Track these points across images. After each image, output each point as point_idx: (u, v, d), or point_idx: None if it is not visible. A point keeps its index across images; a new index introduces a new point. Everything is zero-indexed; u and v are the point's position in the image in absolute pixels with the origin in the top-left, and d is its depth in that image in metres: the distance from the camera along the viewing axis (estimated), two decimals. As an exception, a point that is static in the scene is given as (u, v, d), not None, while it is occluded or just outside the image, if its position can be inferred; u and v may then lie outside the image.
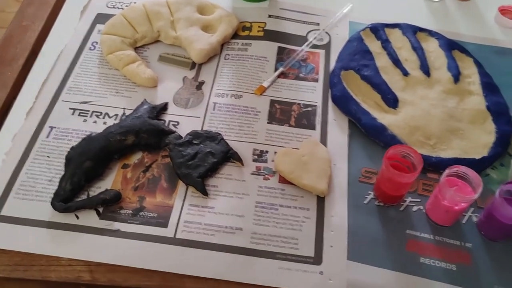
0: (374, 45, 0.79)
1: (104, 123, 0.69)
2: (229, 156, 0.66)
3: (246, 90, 0.74)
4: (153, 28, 0.79)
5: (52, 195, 0.61)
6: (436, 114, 0.70)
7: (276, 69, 0.77)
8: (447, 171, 0.58)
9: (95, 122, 0.69)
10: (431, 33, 0.82)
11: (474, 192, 0.57)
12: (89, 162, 0.62)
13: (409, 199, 0.64)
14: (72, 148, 0.65)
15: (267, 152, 0.67)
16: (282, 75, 0.77)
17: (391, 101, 0.72)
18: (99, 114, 0.70)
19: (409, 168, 0.61)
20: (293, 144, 0.68)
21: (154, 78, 0.73)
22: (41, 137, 0.67)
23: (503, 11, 0.87)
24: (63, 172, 0.63)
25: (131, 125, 0.66)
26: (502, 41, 0.84)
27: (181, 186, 0.63)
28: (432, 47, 0.80)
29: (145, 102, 0.71)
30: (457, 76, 0.75)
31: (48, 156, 0.65)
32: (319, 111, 0.72)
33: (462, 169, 0.59)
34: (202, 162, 0.64)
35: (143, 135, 0.66)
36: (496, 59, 0.80)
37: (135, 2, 0.85)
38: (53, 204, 0.60)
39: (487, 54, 0.81)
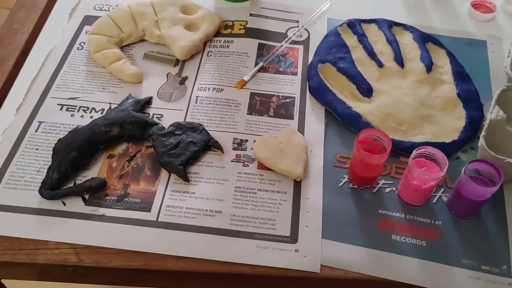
0: (350, 40, 0.83)
1: (91, 117, 0.72)
2: (210, 145, 0.69)
3: (228, 84, 0.77)
4: (138, 27, 0.82)
5: (40, 184, 0.64)
6: (408, 102, 0.73)
7: (256, 64, 0.80)
8: (415, 152, 0.61)
9: (82, 116, 0.72)
10: (406, 27, 0.85)
11: (441, 170, 0.60)
12: (75, 152, 0.65)
13: (382, 181, 0.66)
14: (59, 140, 0.68)
15: (246, 141, 0.70)
16: (262, 69, 0.80)
17: (366, 91, 0.75)
18: (86, 109, 0.73)
19: (381, 151, 0.64)
20: (272, 133, 0.71)
21: (138, 74, 0.77)
22: (30, 131, 0.70)
23: (476, 5, 0.91)
24: (50, 163, 0.66)
25: (116, 117, 0.69)
26: (474, 34, 0.87)
27: (164, 174, 0.66)
28: (406, 40, 0.83)
29: (130, 97, 0.74)
30: (429, 66, 0.78)
31: (36, 149, 0.68)
32: (297, 102, 0.75)
33: (429, 149, 0.62)
34: (184, 151, 0.67)
35: (128, 126, 0.69)
36: (468, 50, 0.84)
37: (121, 4, 0.89)
38: (40, 191, 0.63)
39: (460, 46, 0.84)
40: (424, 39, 0.83)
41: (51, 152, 0.67)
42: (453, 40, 0.85)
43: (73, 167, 0.65)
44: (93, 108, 0.73)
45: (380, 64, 0.79)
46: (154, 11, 0.84)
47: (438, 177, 0.60)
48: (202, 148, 0.68)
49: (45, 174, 0.65)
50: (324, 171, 0.67)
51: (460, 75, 0.78)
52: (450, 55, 0.81)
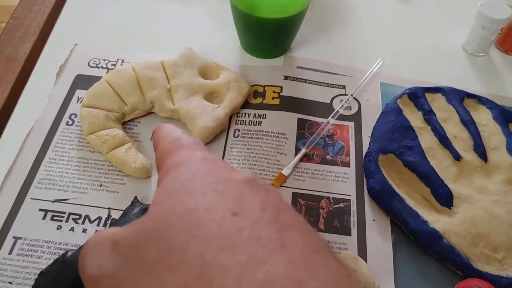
0: (414, 118, 0.65)
1: (84, 230, 0.54)
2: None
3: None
4: (146, 98, 0.64)
5: None
6: (501, 215, 0.56)
7: (297, 149, 0.63)
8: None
9: (72, 229, 0.54)
10: (481, 100, 0.68)
11: None
12: (62, 298, 0.47)
13: (478, 337, 0.50)
14: (41, 274, 0.49)
15: (292, 270, 0.53)
16: (305, 157, 0.62)
17: (444, 198, 0.58)
18: (77, 217, 0.55)
19: (480, 301, 0.47)
20: (324, 257, 0.54)
21: (146, 168, 0.58)
22: (2, 253, 0.52)
23: (561, 69, 0.74)
24: (29, 307, 0.48)
25: (118, 242, 0.51)
26: None
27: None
28: (484, 119, 0.66)
29: (135, 203, 0.56)
30: (520, 161, 0.61)
31: (10, 282, 0.50)
32: (353, 208, 0.58)
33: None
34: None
35: (134, 254, 0.51)
36: (559, 133, 0.67)
37: (122, 61, 0.70)
38: None
39: (547, 125, 0.68)
40: (507, 118, 0.66)
41: (30, 290, 0.49)
42: (537, 117, 0.68)
43: (59, 319, 0.47)
44: (87, 217, 0.55)
45: (457, 157, 0.62)
46: (166, 75, 0.66)
47: None
48: (234, 285, 0.50)
49: (20, 327, 0.47)
50: (399, 321, 0.50)
51: (559, 173, 0.61)
52: (541, 141, 0.64)
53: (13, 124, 0.63)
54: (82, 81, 0.68)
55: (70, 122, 0.64)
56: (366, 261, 0.54)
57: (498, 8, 0.72)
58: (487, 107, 0.67)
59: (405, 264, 0.54)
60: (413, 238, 0.55)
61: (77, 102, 0.66)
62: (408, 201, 0.57)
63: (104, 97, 0.63)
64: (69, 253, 0.50)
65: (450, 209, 0.57)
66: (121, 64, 0.70)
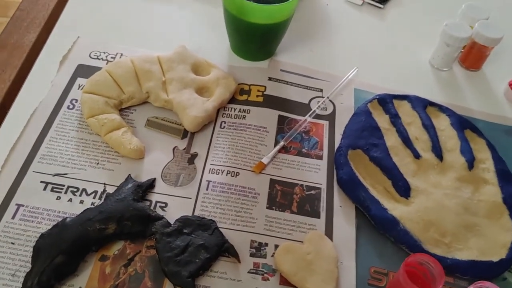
0: (382, 120, 0.73)
1: (81, 202, 0.60)
2: (224, 250, 0.58)
3: (244, 167, 0.67)
4: (142, 88, 0.70)
5: (14, 296, 0.52)
6: (451, 206, 0.64)
7: (276, 142, 0.70)
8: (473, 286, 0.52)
9: (70, 200, 0.60)
10: (441, 108, 0.76)
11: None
12: (61, 256, 0.53)
13: (424, 308, 0.57)
14: (41, 236, 0.55)
15: (266, 245, 0.60)
16: (283, 149, 0.69)
17: (403, 189, 0.65)
18: (75, 190, 0.61)
19: (425, 276, 0.55)
20: (296, 235, 0.61)
21: (140, 149, 0.65)
22: (5, 217, 0.58)
23: (514, 86, 0.83)
24: (29, 265, 0.54)
25: (112, 211, 0.57)
26: (512, 120, 0.79)
27: (168, 286, 0.55)
28: (443, 125, 0.74)
29: (129, 179, 0.62)
30: (471, 162, 0.69)
31: (12, 243, 0.56)
32: (323, 195, 0.65)
33: (487, 284, 0.53)
34: (193, 257, 0.56)
35: (127, 222, 0.57)
36: (507, 141, 0.76)
37: (121, 55, 0.77)
38: (15, 309, 0.51)
39: (498, 134, 0.76)
40: (462, 125, 0.74)
41: (31, 250, 0.55)
42: (490, 127, 0.77)
43: (57, 275, 0.53)
44: (84, 190, 0.62)
45: (416, 155, 0.69)
46: (161, 69, 0.72)
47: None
48: (215, 254, 0.57)
49: (21, 281, 0.53)
50: (357, 292, 0.58)
51: (504, 175, 0.69)
52: (491, 147, 0.73)
53: (18, 105, 0.69)
54: (83, 70, 0.74)
55: (71, 106, 0.70)
56: (332, 241, 0.61)
57: (460, 28, 0.81)
58: (447, 115, 0.76)
59: (365, 245, 0.62)
60: (374, 222, 0.63)
61: (78, 88, 0.72)
62: (371, 191, 0.65)
63: (104, 85, 0.69)
64: (68, 219, 0.57)
65: (407, 199, 0.65)
66: (120, 58, 0.76)
